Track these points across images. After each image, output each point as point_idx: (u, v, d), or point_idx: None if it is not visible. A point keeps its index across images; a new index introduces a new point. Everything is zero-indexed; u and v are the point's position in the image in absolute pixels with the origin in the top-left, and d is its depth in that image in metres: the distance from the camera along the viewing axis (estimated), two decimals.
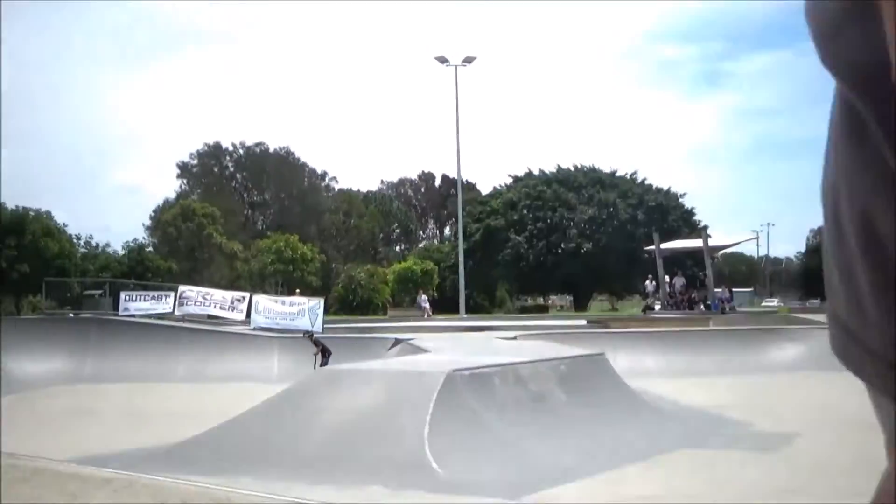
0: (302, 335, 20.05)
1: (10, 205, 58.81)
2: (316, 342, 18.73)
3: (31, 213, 58.59)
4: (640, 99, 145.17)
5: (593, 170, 71.53)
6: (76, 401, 16.78)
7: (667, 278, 36.48)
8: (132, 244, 66.10)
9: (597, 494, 8.08)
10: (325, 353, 18.41)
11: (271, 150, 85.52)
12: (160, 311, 26.32)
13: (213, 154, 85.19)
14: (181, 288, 27.30)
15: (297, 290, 39.46)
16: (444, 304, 54.88)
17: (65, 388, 18.53)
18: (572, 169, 71.95)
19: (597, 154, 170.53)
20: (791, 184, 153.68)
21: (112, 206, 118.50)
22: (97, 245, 67.25)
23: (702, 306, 34.25)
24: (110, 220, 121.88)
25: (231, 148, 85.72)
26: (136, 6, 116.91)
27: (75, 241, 63.29)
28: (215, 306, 25.90)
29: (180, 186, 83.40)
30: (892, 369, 0.62)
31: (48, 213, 60.18)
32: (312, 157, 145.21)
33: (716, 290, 35.26)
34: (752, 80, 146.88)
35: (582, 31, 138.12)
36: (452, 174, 71.77)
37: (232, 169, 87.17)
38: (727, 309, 33.21)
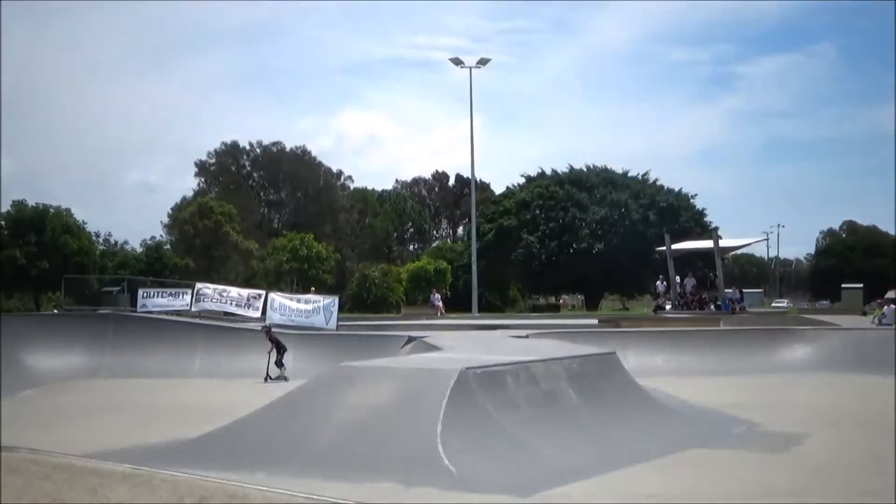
0: (259, 329, 20.11)
1: (31, 202, 59.45)
2: (271, 338, 18.86)
3: (52, 210, 59.11)
4: (651, 101, 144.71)
5: (605, 170, 71.36)
6: (94, 396, 17.00)
7: (678, 278, 36.41)
8: (150, 242, 66.69)
9: (607, 493, 8.13)
10: (280, 350, 18.58)
11: (288, 149, 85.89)
12: (177, 307, 26.49)
13: (230, 153, 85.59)
14: (198, 285, 27.45)
15: (313, 288, 39.64)
16: (457, 303, 54.96)
17: (82, 383, 18.78)
18: (584, 169, 71.81)
19: (609, 155, 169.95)
20: (801, 186, 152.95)
21: (130, 204, 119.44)
22: (115, 242, 67.92)
23: (712, 307, 34.17)
24: (129, 217, 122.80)
25: (248, 147, 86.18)
26: (154, 6, 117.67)
27: (94, 238, 63.84)
28: (231, 303, 26.08)
29: (198, 185, 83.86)
30: None
31: (68, 210, 60.75)
32: (328, 156, 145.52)
33: (726, 290, 35.19)
34: (763, 83, 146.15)
35: (593, 32, 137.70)
36: (466, 174, 71.86)
37: (249, 168, 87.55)
38: (737, 309, 33.13)
